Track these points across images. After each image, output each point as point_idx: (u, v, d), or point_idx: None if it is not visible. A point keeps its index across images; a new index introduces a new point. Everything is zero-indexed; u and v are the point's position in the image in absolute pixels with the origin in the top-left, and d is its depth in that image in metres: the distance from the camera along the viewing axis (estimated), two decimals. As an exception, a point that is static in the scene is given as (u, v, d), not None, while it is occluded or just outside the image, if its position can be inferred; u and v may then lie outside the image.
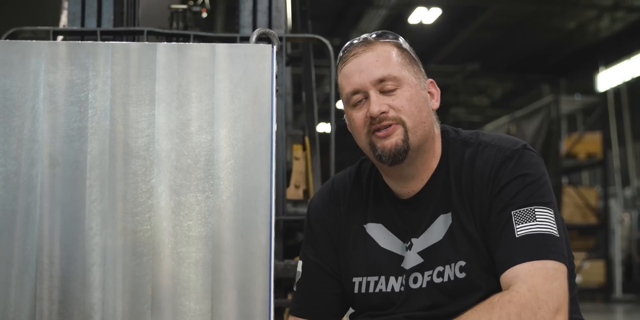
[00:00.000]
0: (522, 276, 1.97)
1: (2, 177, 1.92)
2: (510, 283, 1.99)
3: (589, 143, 15.93)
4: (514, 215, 2.05)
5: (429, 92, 2.23)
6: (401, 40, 2.23)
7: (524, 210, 2.05)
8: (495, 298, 1.95)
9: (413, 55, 2.23)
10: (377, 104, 2.12)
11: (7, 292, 1.89)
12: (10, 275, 1.90)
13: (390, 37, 2.22)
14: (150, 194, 1.94)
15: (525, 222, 2.03)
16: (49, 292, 1.90)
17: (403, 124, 2.13)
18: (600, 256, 15.52)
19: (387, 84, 2.13)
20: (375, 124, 2.13)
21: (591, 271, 15.00)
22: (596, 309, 13.50)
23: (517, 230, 2.03)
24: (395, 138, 2.13)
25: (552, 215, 2.06)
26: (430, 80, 2.25)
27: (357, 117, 2.17)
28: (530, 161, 2.12)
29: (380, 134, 2.13)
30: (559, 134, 16.30)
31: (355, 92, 2.16)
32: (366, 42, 2.19)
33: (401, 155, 2.13)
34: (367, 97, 2.15)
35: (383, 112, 2.12)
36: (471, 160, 2.16)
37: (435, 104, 2.24)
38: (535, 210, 2.05)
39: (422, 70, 2.24)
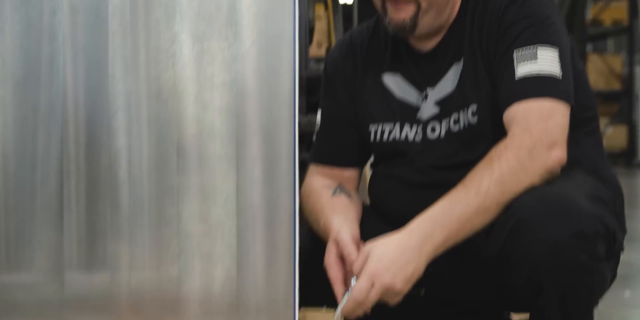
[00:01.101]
0: (517, 118, 1.99)
1: (25, 24, 1.91)
2: (508, 126, 2.00)
3: (615, 10, 15.61)
4: (516, 54, 2.04)
5: None
6: None
7: (526, 48, 2.04)
8: (492, 151, 1.97)
9: None
10: None
11: (35, 135, 1.92)
12: (37, 120, 1.92)
13: None
14: (173, 41, 1.93)
15: (526, 62, 2.03)
16: (75, 135, 1.92)
17: (418, 4, 2.08)
18: (624, 121, 15.52)
19: None
20: None
21: (614, 136, 15.01)
22: (618, 173, 13.51)
23: (517, 70, 2.03)
24: (403, 15, 2.09)
25: (556, 55, 2.04)
26: None
27: None
28: (538, 2, 2.10)
29: (392, 4, 2.10)
30: (585, 1, 16.01)
31: None
32: None
33: (406, 32, 2.12)
34: None
35: None
36: (484, 2, 2.14)
37: None
38: (538, 48, 2.03)
39: None
